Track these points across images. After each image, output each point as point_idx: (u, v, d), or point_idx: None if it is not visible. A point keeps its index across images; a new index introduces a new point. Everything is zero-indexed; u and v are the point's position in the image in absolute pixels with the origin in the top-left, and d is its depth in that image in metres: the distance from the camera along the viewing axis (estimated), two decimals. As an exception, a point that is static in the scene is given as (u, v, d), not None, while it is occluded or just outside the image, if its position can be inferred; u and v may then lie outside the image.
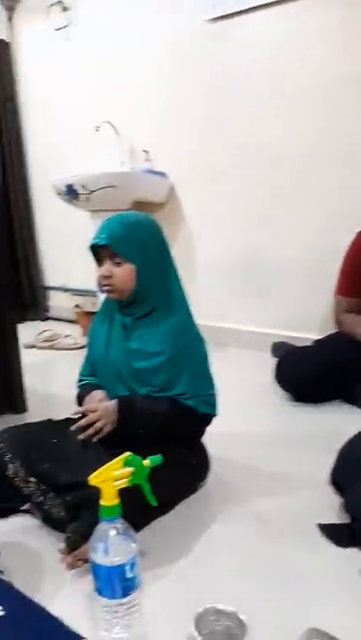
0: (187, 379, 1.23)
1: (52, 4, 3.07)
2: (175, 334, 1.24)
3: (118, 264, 1.21)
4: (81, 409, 1.24)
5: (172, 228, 2.76)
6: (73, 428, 1.21)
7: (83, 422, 1.20)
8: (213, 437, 1.38)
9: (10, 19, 3.36)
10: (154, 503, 0.96)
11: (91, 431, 1.19)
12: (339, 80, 2.16)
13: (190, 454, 1.30)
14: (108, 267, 1.22)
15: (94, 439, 1.19)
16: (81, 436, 1.19)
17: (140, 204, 2.61)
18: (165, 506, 1.22)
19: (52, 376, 2.44)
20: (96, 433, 1.19)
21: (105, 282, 1.22)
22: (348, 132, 2.19)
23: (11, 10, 3.35)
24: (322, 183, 2.29)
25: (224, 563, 1.09)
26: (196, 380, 1.26)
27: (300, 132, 2.30)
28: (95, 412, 1.20)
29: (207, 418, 1.30)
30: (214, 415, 1.30)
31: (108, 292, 1.24)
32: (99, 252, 1.24)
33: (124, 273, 1.21)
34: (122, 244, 1.20)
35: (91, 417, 1.20)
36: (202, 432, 1.33)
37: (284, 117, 2.33)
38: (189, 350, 1.26)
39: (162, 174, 2.72)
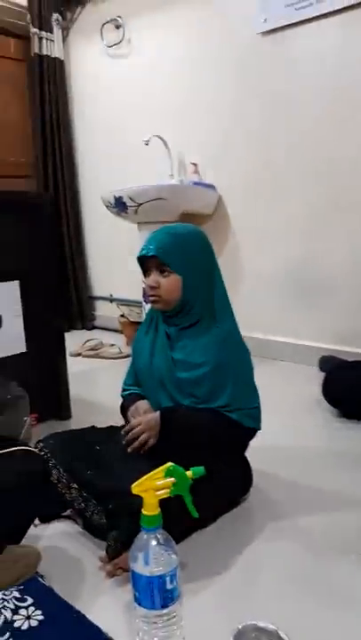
0: (231, 391, 1.22)
1: (105, 23, 3.16)
2: (220, 345, 1.23)
3: (165, 275, 1.22)
4: (126, 428, 1.24)
5: (220, 239, 2.75)
6: (123, 441, 1.22)
7: (129, 437, 1.21)
8: (257, 452, 1.36)
9: (65, 38, 3.48)
10: (195, 515, 0.95)
11: (136, 444, 1.20)
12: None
13: (233, 468, 1.28)
14: (155, 277, 1.23)
15: (141, 452, 1.19)
16: (129, 450, 1.20)
17: (187, 216, 2.63)
18: (206, 519, 1.20)
19: (97, 384, 2.47)
20: (142, 446, 1.19)
21: (152, 292, 1.23)
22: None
23: (66, 29, 3.47)
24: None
25: (265, 580, 1.06)
26: (241, 392, 1.24)
27: (358, 145, 2.26)
28: (139, 425, 1.21)
29: (251, 432, 1.28)
30: (258, 429, 1.28)
31: (154, 302, 1.25)
32: (146, 262, 1.25)
33: (170, 283, 1.22)
34: (169, 254, 1.21)
35: (135, 431, 1.21)
36: (245, 446, 1.31)
37: (341, 130, 2.29)
38: (234, 362, 1.24)
39: (210, 186, 2.73)
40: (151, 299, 1.24)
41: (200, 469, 0.93)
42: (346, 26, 2.22)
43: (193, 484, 0.92)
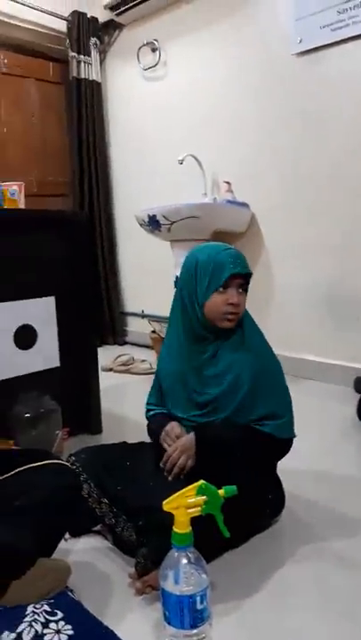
0: (267, 402, 1.22)
1: (142, 46, 3.24)
2: (256, 357, 1.24)
3: (241, 292, 1.24)
4: (164, 458, 1.24)
5: (252, 256, 2.75)
6: (165, 472, 1.22)
7: (168, 465, 1.21)
8: (290, 473, 1.34)
9: (102, 61, 3.57)
10: (227, 535, 0.94)
11: (176, 470, 1.20)
12: None
13: (266, 488, 1.27)
14: (240, 296, 1.23)
15: (181, 476, 1.19)
16: (170, 478, 1.20)
17: (220, 234, 2.64)
18: (237, 539, 1.18)
19: (127, 399, 2.48)
20: (182, 470, 1.19)
21: (236, 310, 1.22)
22: None
23: (103, 53, 3.57)
24: None
25: (296, 604, 1.04)
26: (275, 402, 1.24)
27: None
28: (175, 451, 1.21)
29: (287, 443, 1.26)
30: (294, 437, 1.26)
31: (232, 320, 1.23)
32: (229, 280, 1.22)
33: (245, 301, 1.26)
34: (250, 275, 1.25)
35: (173, 457, 1.21)
36: (281, 457, 1.29)
37: None
38: (270, 372, 1.25)
39: (243, 204, 2.74)
40: (232, 317, 1.23)
41: (232, 488, 0.92)
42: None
43: (225, 503, 0.91)
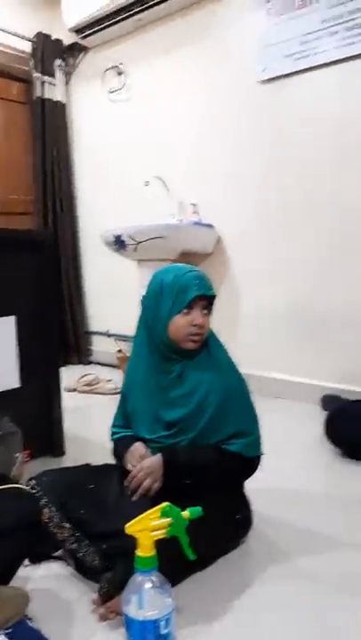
0: (232, 422, 1.21)
1: (107, 69, 3.27)
2: (219, 378, 1.23)
3: (205, 313, 1.23)
4: (128, 478, 1.21)
5: (219, 277, 2.77)
6: (128, 491, 1.19)
7: (133, 485, 1.18)
8: (257, 492, 1.33)
9: (67, 82, 3.59)
10: (192, 557, 0.92)
11: (141, 491, 1.17)
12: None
13: (233, 508, 1.25)
14: (204, 318, 1.23)
15: (147, 497, 1.16)
16: (133, 498, 1.17)
17: (186, 255, 2.65)
18: (204, 561, 1.16)
19: (92, 420, 2.43)
20: (147, 492, 1.17)
21: (200, 331, 1.22)
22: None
23: (69, 74, 3.59)
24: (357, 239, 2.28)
25: (264, 624, 1.02)
26: (242, 421, 1.23)
27: (356, 190, 2.31)
28: (140, 471, 1.18)
29: (255, 461, 1.25)
30: (261, 455, 1.26)
31: (197, 341, 1.23)
32: (194, 302, 1.21)
33: (209, 323, 1.25)
34: (214, 296, 1.26)
35: (138, 478, 1.18)
36: (249, 475, 1.28)
37: (340, 176, 2.35)
38: (237, 390, 1.25)
39: (209, 226, 2.77)
40: (197, 338, 1.22)
41: (197, 510, 0.90)
42: (342, 76, 2.30)
43: (191, 525, 0.89)
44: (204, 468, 1.17)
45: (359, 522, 1.40)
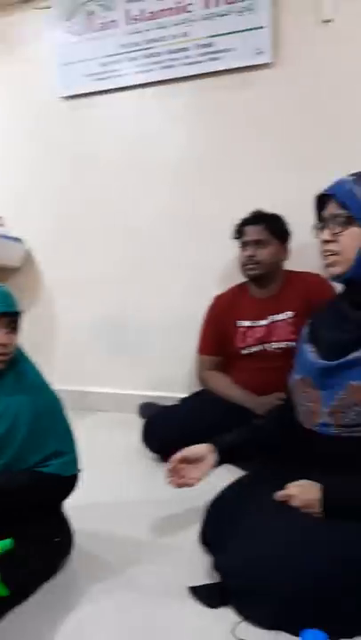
0: (47, 443, 1.17)
1: None
2: (29, 399, 1.18)
3: (11, 332, 1.17)
4: None
5: (31, 291, 2.69)
6: None
7: None
8: (76, 510, 1.30)
9: None
10: (4, 593, 0.85)
11: None
12: (185, 160, 2.36)
13: (51, 532, 1.20)
14: (8, 336, 1.16)
15: None
16: None
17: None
18: (24, 592, 1.09)
19: None
20: None
21: (4, 350, 1.15)
22: (193, 208, 2.36)
23: None
24: (177, 253, 2.42)
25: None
26: (57, 441, 1.20)
27: (155, 206, 2.43)
28: None
29: (73, 480, 1.23)
30: (79, 472, 1.24)
31: (2, 361, 1.17)
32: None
33: (15, 341, 1.19)
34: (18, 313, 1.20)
35: None
36: (67, 495, 1.24)
37: (136, 194, 2.45)
38: (48, 412, 1.21)
39: (16, 239, 2.66)
40: (2, 357, 1.16)
41: (6, 543, 0.84)
42: (141, 100, 2.42)
43: (6, 557, 0.83)
44: (20, 495, 1.11)
45: (178, 523, 1.45)
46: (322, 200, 1.16)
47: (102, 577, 1.21)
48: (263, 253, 1.93)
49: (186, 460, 1.22)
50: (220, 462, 1.27)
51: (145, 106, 2.42)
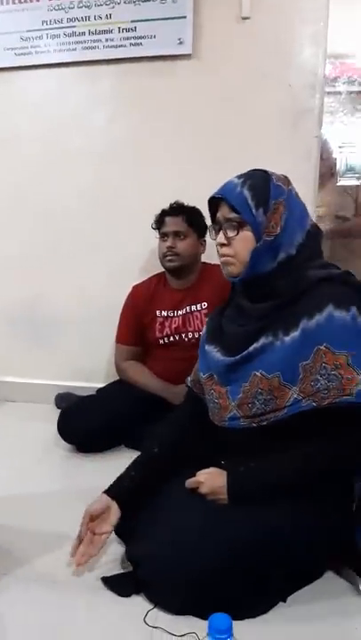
0: None
1: None
2: None
3: None
4: None
5: None
6: None
7: None
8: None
9: None
10: None
11: None
12: (105, 145, 2.31)
13: None
14: None
15: None
16: None
17: None
18: None
19: None
20: None
21: None
22: (114, 196, 2.32)
23: None
24: (96, 240, 2.37)
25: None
26: None
27: (74, 190, 2.36)
28: None
29: None
30: None
31: None
32: None
33: None
34: None
35: None
36: None
37: (55, 176, 2.38)
38: None
39: None
40: None
41: None
42: (62, 79, 2.34)
43: None
44: None
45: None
46: (214, 201, 1.19)
47: (16, 571, 1.20)
48: (182, 245, 1.95)
49: (91, 519, 1.20)
50: (126, 507, 1.22)
51: (65, 86, 2.33)
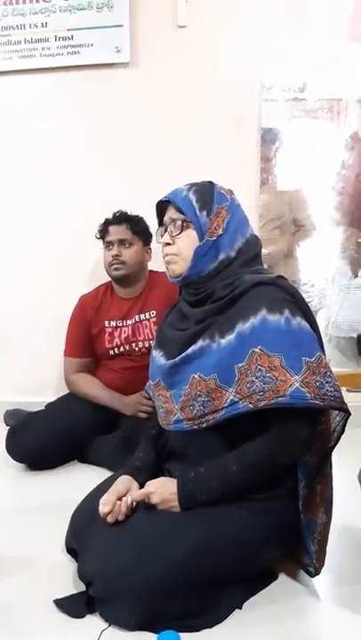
0: None
1: None
2: None
3: None
4: None
5: None
6: None
7: None
8: None
9: None
10: None
11: None
12: (48, 153, 2.28)
13: None
14: None
15: None
16: None
17: None
18: None
19: None
20: None
21: None
22: (57, 205, 2.29)
23: None
24: (39, 252, 2.33)
25: None
26: None
27: (13, 200, 2.32)
28: None
29: None
30: None
31: None
32: None
33: None
34: None
35: None
36: None
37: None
38: None
39: None
40: None
41: None
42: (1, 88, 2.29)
43: None
44: None
45: (45, 533, 1.39)
46: (161, 207, 1.25)
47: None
48: (128, 253, 1.94)
49: (119, 499, 1.17)
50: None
51: (2, 95, 2.29)
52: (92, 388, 1.96)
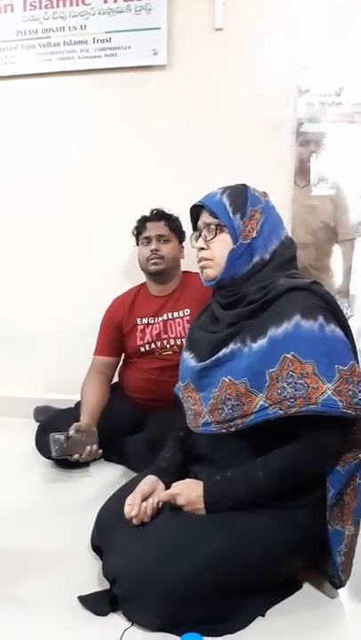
0: None
1: None
2: None
3: None
4: None
5: None
6: None
7: None
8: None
9: None
10: None
11: None
12: (83, 155, 2.31)
13: None
14: None
15: None
16: None
17: None
18: None
19: None
20: None
21: None
22: (91, 206, 2.31)
23: None
24: (73, 254, 2.36)
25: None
26: None
27: (49, 203, 2.35)
28: None
29: None
30: None
31: None
32: None
33: None
34: None
35: None
36: None
37: (31, 187, 2.36)
38: None
39: None
40: None
41: None
42: (40, 90, 2.33)
43: None
44: None
45: (72, 529, 1.42)
46: (195, 211, 1.26)
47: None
48: (166, 248, 1.96)
49: (143, 499, 1.19)
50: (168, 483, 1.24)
51: (40, 96, 2.33)
52: (84, 389, 1.96)
